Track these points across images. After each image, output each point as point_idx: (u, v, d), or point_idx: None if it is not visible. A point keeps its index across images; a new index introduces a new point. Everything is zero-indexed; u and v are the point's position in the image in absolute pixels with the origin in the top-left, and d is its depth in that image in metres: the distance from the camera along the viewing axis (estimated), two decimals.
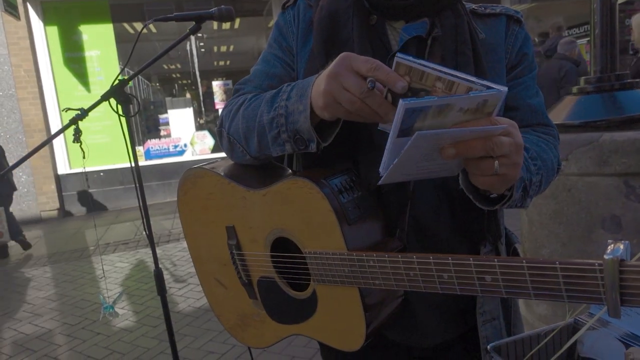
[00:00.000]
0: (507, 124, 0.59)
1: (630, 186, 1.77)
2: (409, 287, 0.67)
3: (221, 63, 10.75)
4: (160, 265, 1.77)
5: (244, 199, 0.87)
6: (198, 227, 1.02)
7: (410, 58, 0.57)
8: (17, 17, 6.42)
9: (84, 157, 1.70)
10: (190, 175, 0.99)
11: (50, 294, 3.99)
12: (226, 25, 8.83)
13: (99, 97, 1.64)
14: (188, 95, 8.81)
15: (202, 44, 9.02)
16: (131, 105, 1.67)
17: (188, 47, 8.11)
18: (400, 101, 0.53)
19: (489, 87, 0.55)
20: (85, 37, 7.20)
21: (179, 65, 9.72)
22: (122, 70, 1.86)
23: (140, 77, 8.52)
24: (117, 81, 1.63)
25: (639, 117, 1.80)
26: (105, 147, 7.09)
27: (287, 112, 0.73)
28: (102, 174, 7.21)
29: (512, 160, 0.61)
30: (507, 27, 0.86)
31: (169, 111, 8.00)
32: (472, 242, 0.84)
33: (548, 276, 0.56)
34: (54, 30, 7.04)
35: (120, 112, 1.64)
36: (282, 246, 0.85)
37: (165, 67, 9.95)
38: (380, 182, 0.61)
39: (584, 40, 8.14)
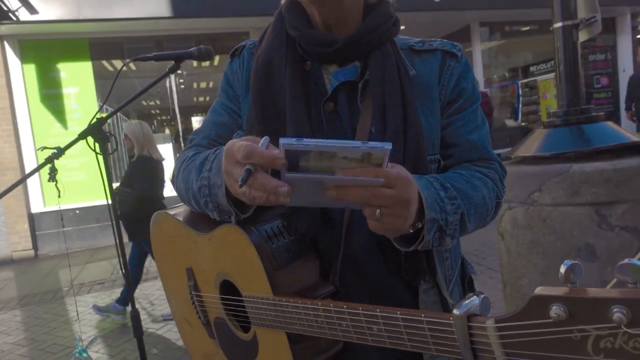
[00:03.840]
0: (392, 177, 0.60)
1: (602, 215, 1.82)
2: (318, 334, 0.68)
3: (201, 99, 10.80)
4: (137, 305, 1.72)
5: (195, 243, 0.91)
6: (167, 268, 1.07)
7: (294, 141, 0.55)
8: None
9: (59, 197, 1.67)
10: (157, 219, 1.03)
11: (19, 339, 3.80)
12: (206, 63, 8.94)
13: (76, 134, 1.63)
14: (167, 131, 8.77)
15: (181, 80, 9.07)
16: (109, 143, 1.67)
17: (167, 84, 8.14)
18: (280, 140, 0.55)
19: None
20: (63, 75, 7.17)
21: (158, 102, 9.72)
22: (100, 108, 1.86)
23: (119, 113, 8.49)
24: (95, 119, 1.63)
25: (605, 148, 1.88)
26: (81, 184, 6.95)
27: (209, 184, 0.76)
28: (77, 211, 7.04)
29: (394, 211, 0.62)
30: (442, 62, 0.84)
31: None
32: (408, 279, 0.81)
33: (417, 328, 0.55)
34: (31, 68, 7.01)
35: (98, 150, 1.63)
36: (230, 288, 0.86)
37: (145, 103, 9.93)
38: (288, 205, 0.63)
39: (551, 75, 8.52)
